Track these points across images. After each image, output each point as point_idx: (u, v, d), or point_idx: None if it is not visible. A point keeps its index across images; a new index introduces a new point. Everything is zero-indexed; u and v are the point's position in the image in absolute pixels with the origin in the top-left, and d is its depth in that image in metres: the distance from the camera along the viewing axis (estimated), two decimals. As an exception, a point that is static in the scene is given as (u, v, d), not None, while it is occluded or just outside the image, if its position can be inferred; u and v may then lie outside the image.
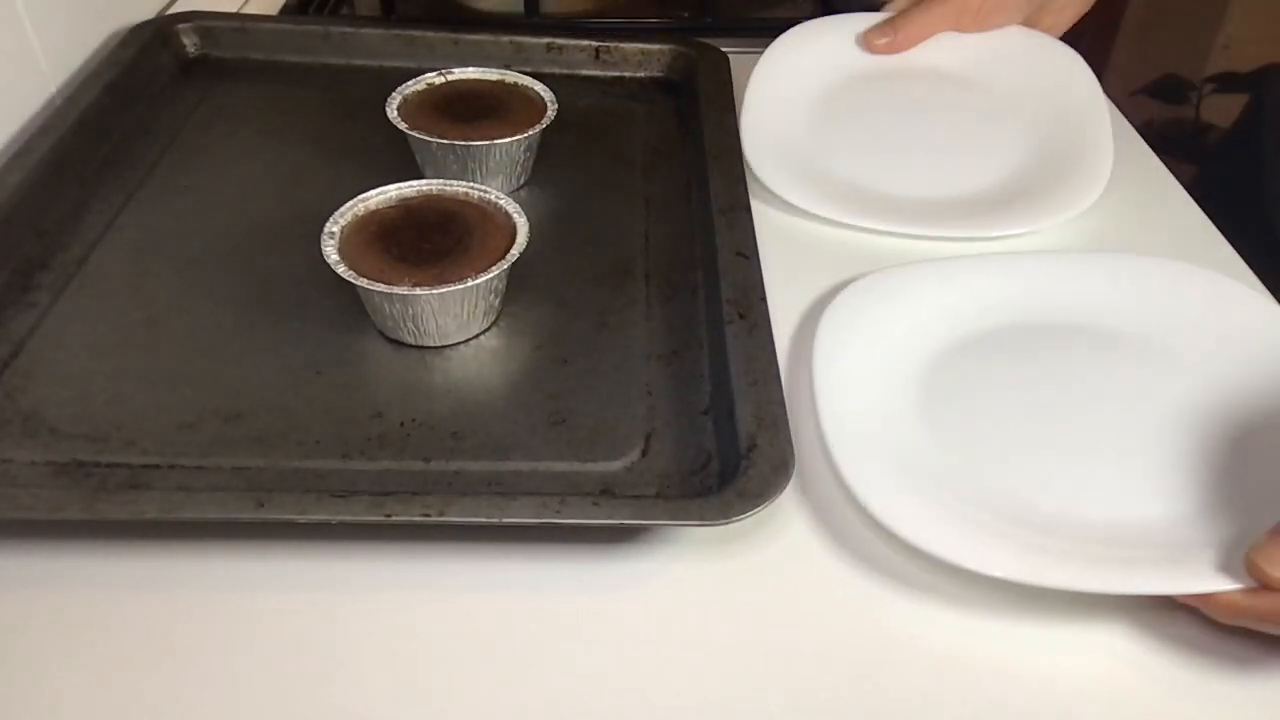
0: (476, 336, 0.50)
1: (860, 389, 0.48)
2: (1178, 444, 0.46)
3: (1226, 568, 0.39)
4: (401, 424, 0.46)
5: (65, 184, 0.57)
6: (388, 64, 0.70)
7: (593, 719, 0.37)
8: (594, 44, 0.71)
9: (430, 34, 0.71)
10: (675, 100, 0.70)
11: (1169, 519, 0.43)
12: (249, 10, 0.80)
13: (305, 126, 0.65)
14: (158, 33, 0.68)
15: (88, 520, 0.40)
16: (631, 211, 0.59)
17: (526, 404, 0.47)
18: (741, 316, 0.49)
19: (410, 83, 0.61)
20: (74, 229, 0.55)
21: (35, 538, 0.41)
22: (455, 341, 0.50)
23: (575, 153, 0.64)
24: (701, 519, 0.40)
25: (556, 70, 0.71)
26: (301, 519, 0.39)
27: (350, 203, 0.51)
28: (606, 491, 0.43)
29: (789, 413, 0.44)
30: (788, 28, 0.71)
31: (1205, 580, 0.39)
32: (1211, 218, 0.62)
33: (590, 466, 0.44)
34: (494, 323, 0.51)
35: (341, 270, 0.47)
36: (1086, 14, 0.72)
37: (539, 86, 0.62)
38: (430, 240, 0.49)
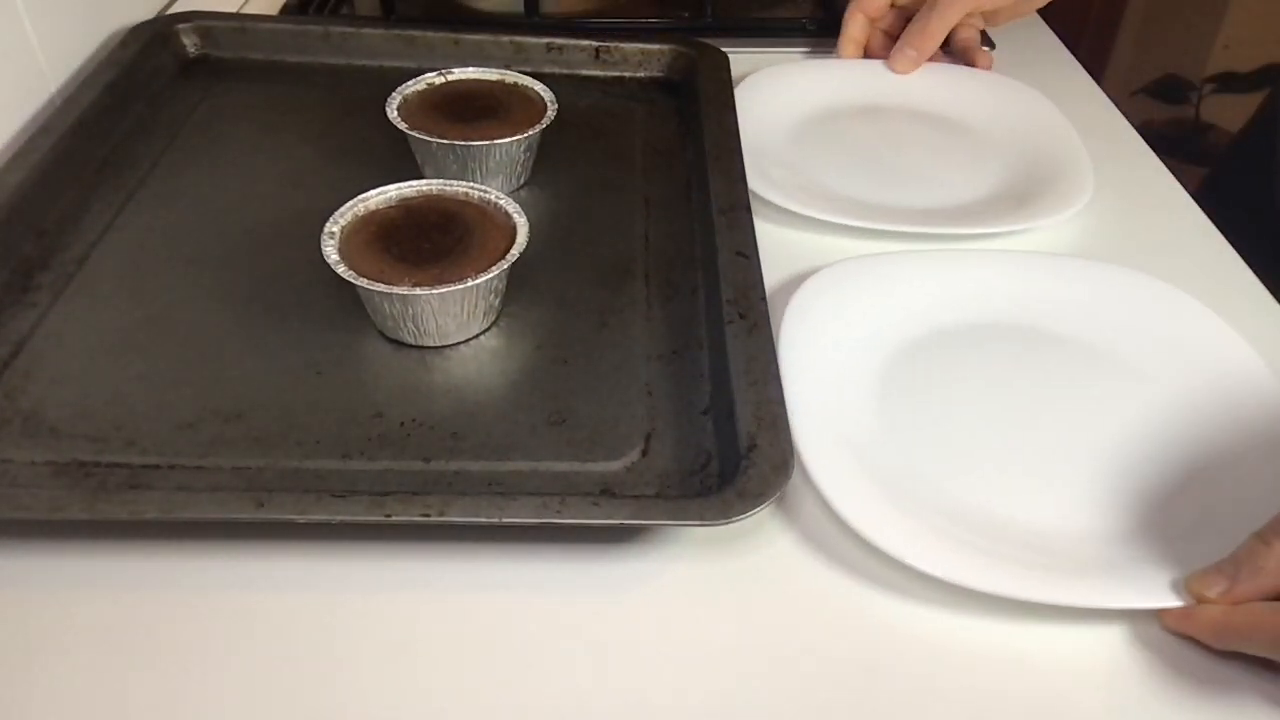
0: (476, 336, 0.50)
1: (823, 375, 0.48)
2: (1121, 457, 0.47)
3: (1173, 586, 0.40)
4: (401, 424, 0.46)
5: (65, 184, 0.57)
6: (388, 64, 0.70)
7: (592, 719, 0.37)
8: (594, 44, 0.71)
9: (430, 34, 0.71)
10: (675, 100, 0.70)
11: (1112, 533, 0.43)
12: (249, 10, 0.79)
13: (305, 126, 0.65)
14: (158, 33, 0.68)
15: (88, 520, 0.40)
16: (631, 211, 0.59)
17: (526, 404, 0.47)
18: (742, 316, 0.49)
19: (410, 83, 0.61)
20: (74, 229, 0.55)
21: (35, 538, 0.41)
22: (455, 341, 0.50)
23: (575, 153, 0.64)
24: (701, 519, 0.40)
25: (556, 70, 0.71)
26: (301, 519, 0.39)
27: (350, 203, 0.51)
28: (606, 491, 0.43)
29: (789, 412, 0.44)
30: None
31: (1149, 597, 0.39)
32: (1219, 219, 0.62)
33: (590, 466, 0.44)
34: (494, 323, 0.51)
35: (341, 270, 0.47)
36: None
37: (539, 86, 0.62)
38: (430, 240, 0.49)
